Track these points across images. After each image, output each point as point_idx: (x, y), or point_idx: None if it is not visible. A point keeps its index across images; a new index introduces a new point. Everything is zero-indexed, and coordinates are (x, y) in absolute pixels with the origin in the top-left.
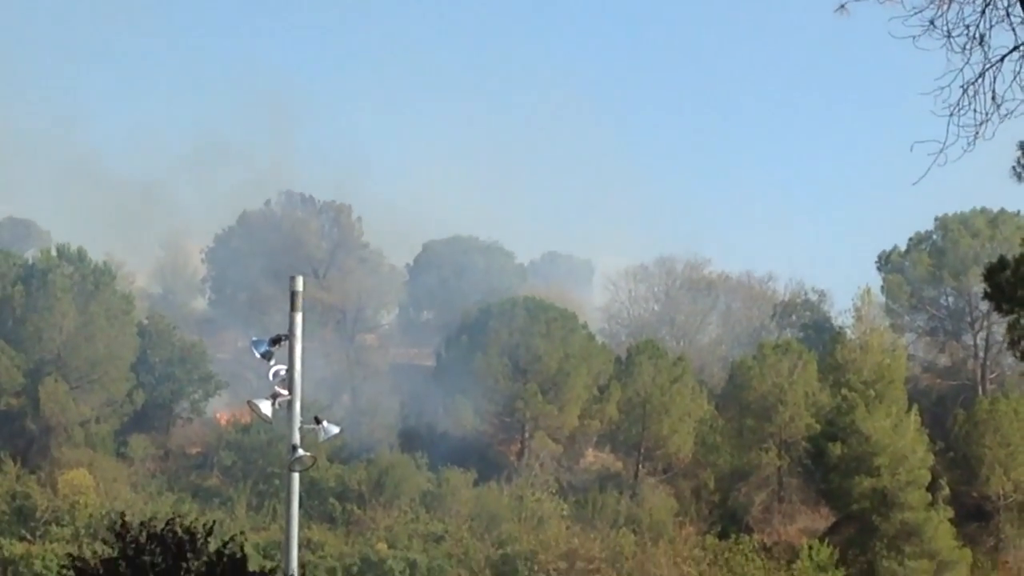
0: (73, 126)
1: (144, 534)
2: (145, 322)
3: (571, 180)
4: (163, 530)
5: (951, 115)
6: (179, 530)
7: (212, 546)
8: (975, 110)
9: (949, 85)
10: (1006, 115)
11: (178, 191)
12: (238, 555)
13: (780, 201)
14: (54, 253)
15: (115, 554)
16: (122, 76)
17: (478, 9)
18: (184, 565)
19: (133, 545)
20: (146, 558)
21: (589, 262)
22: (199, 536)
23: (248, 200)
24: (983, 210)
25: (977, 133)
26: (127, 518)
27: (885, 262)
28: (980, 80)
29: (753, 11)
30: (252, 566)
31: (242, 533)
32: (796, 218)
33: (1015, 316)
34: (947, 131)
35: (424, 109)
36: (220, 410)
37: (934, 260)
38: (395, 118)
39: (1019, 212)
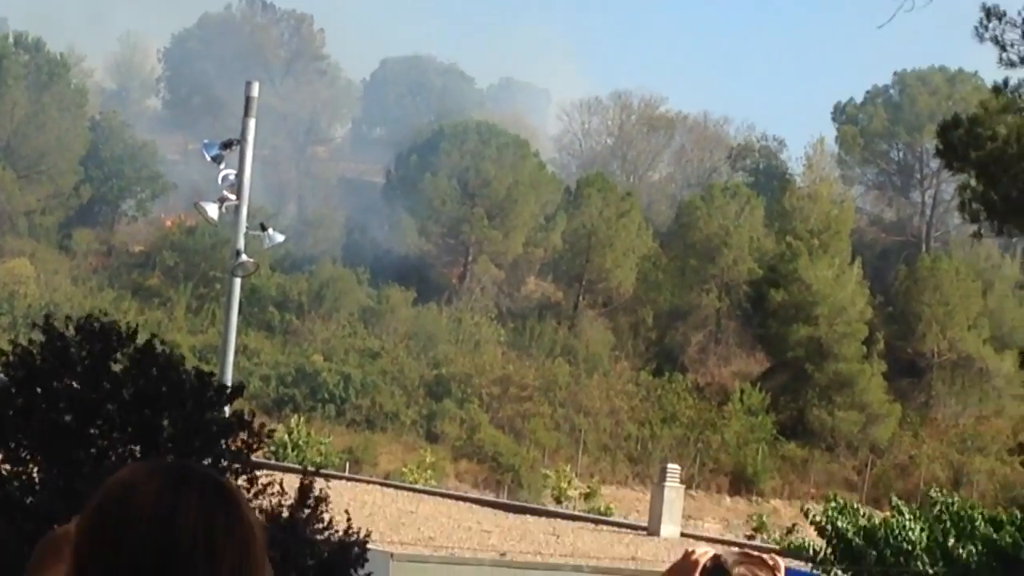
0: None
1: (71, 327)
2: (98, 117)
3: (532, 7)
4: (86, 322)
5: None
6: (105, 323)
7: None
8: None
9: None
10: None
11: None
12: (169, 350)
13: (740, 44)
14: (11, 41)
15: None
16: None
17: None
18: (114, 356)
19: (59, 338)
20: (73, 350)
21: (547, 91)
22: (124, 333)
23: (208, 2)
24: (941, 68)
25: None
26: (67, 312)
27: (840, 113)
28: None
29: None
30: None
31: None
32: (755, 63)
33: (966, 177)
34: None
35: None
36: (165, 212)
37: (889, 115)
38: None
39: (977, 72)
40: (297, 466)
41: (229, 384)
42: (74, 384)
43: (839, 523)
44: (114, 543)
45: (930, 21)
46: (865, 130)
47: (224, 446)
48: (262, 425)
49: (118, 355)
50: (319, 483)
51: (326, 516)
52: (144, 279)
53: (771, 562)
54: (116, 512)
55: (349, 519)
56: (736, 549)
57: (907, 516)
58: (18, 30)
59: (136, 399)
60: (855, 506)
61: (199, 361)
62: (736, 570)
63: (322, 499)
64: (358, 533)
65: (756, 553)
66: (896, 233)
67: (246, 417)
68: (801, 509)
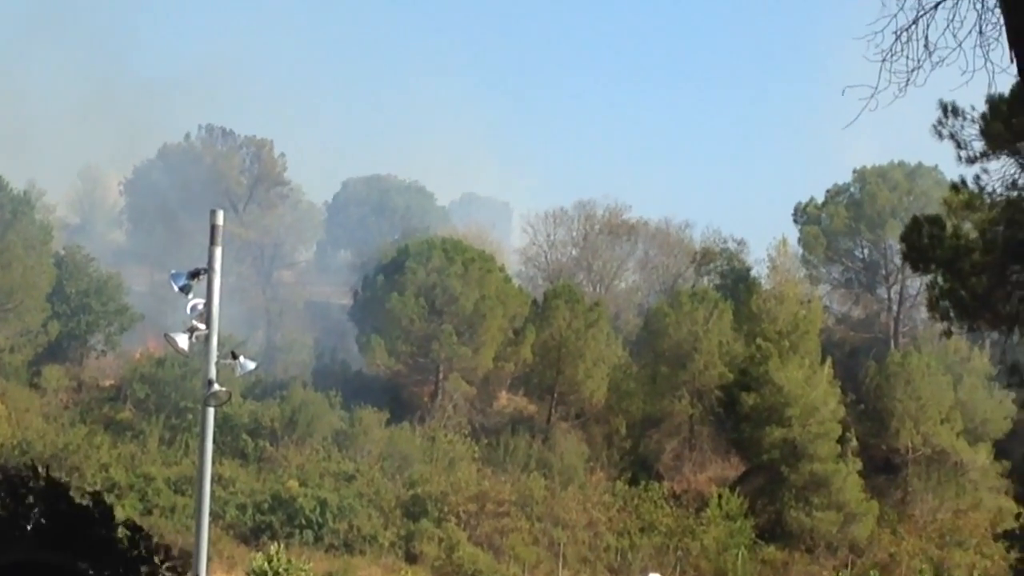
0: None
1: None
2: (62, 253)
3: (491, 123)
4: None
5: (883, 61)
6: (22, 468)
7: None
8: (907, 56)
9: (882, 31)
10: (937, 63)
11: (98, 121)
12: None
13: (701, 150)
14: None
15: None
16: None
17: None
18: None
19: None
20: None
21: (507, 204)
22: (40, 474)
23: (168, 133)
24: (901, 163)
25: (909, 80)
26: (39, 448)
27: (802, 213)
28: (914, 27)
29: None
30: (163, 501)
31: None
32: (717, 167)
33: (933, 276)
34: (879, 77)
35: (345, 49)
36: (135, 343)
37: (851, 212)
38: (315, 55)
39: (936, 166)
40: None
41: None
42: None
43: None
44: None
45: (888, 118)
46: (828, 229)
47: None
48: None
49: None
50: None
51: None
52: (116, 413)
53: None
54: None
55: None
56: None
57: None
58: None
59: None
60: None
61: (175, 493)
62: None
63: None
64: None
65: None
66: (864, 330)
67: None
68: None
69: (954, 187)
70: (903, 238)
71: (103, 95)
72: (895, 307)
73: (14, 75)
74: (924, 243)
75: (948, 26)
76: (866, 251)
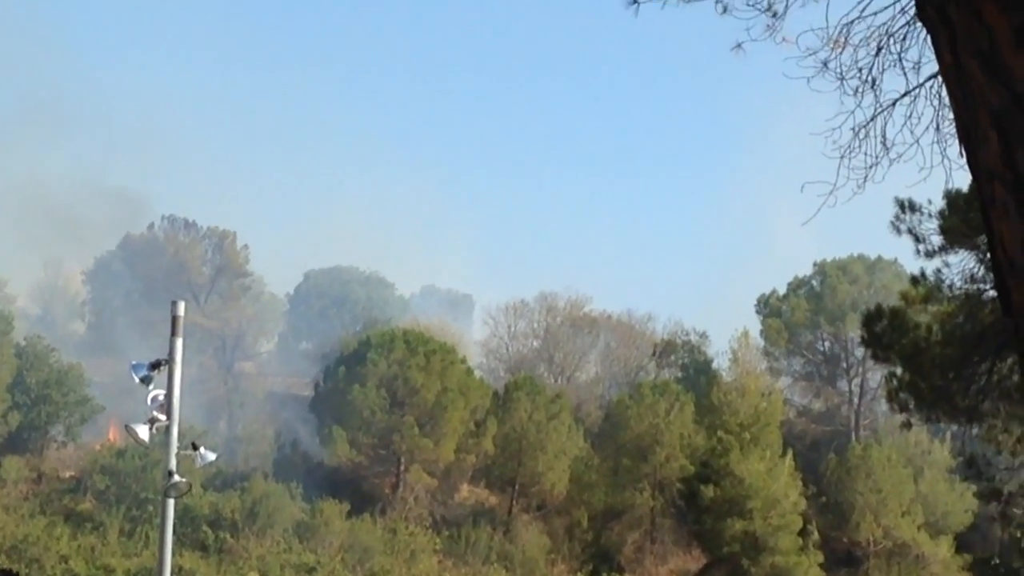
0: None
1: None
2: (23, 343)
3: (451, 214)
4: None
5: (842, 157)
6: None
7: None
8: (865, 153)
9: (840, 127)
10: (895, 159)
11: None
12: None
13: (662, 242)
14: None
15: None
16: None
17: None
18: None
19: None
20: None
21: (470, 296)
22: None
23: (130, 223)
24: (861, 256)
25: (867, 176)
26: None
27: (764, 306)
28: (871, 123)
29: (643, 51)
30: None
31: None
32: (678, 259)
33: (891, 369)
34: (837, 173)
35: (306, 141)
36: (96, 434)
37: (812, 305)
38: (277, 146)
39: (896, 259)
40: None
41: None
42: None
43: None
44: None
45: (849, 212)
46: (789, 322)
47: None
48: None
49: None
50: None
51: None
52: (76, 504)
53: None
54: None
55: None
56: None
57: None
58: None
59: None
60: None
61: None
62: None
63: None
64: None
65: None
66: (825, 423)
67: None
68: None
69: (914, 280)
70: (863, 325)
71: (65, 183)
72: (856, 400)
73: None
74: (884, 332)
75: (906, 123)
76: (827, 344)
